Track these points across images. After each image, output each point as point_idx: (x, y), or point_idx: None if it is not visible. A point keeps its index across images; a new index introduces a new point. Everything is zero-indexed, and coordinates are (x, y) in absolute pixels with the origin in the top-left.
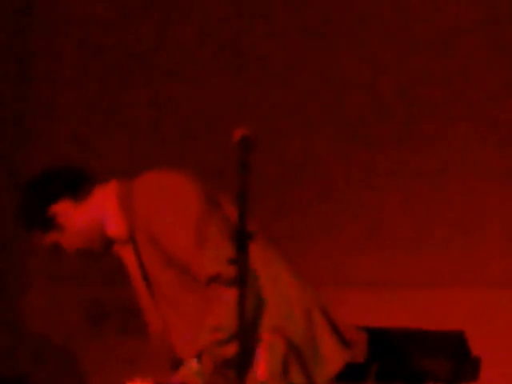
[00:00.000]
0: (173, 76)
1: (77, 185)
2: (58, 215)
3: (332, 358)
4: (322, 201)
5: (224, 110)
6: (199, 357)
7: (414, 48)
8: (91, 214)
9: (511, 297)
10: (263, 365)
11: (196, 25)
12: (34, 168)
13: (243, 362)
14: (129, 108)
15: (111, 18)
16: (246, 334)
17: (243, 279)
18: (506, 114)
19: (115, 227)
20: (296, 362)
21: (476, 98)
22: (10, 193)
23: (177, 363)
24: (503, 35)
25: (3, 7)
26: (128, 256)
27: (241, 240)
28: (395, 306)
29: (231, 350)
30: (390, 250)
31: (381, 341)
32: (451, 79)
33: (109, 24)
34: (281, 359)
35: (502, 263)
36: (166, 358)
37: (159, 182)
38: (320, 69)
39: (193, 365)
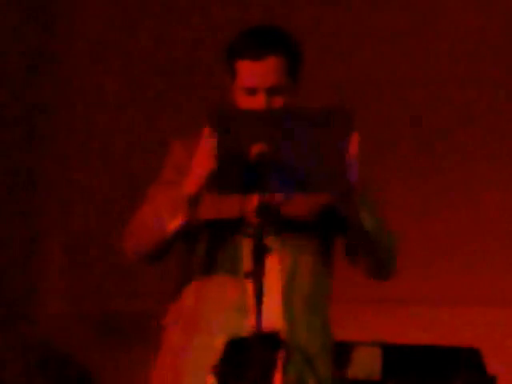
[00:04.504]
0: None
1: None
2: None
3: None
4: None
5: None
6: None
7: None
8: None
9: None
10: (279, 375)
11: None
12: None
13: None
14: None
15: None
16: None
17: (260, 292)
18: None
19: None
20: (312, 374)
21: None
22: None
23: None
24: None
25: None
26: None
27: (258, 252)
28: (411, 323)
29: None
30: (406, 267)
31: (397, 358)
32: None
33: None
34: (296, 371)
35: None
36: None
37: None
38: None
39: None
